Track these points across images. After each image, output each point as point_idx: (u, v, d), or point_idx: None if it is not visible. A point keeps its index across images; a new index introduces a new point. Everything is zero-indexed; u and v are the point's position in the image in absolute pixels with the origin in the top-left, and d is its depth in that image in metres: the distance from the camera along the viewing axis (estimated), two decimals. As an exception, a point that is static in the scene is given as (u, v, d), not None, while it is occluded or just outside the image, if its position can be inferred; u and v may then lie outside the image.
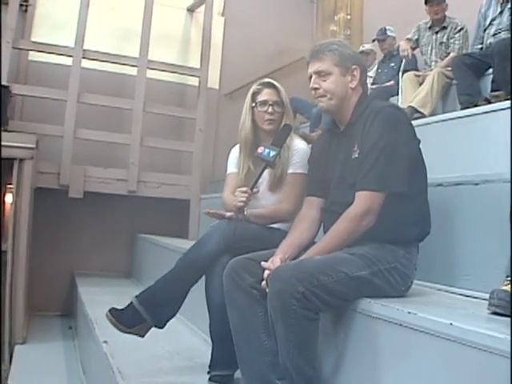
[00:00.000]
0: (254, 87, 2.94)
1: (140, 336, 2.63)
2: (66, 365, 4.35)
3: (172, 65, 6.27)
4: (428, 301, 2.11)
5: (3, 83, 5.23)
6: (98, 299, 4.53)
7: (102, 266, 6.00)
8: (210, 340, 2.72)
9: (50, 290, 5.75)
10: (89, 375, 3.94)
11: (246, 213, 2.64)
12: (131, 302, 2.60)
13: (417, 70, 5.32)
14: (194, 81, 6.37)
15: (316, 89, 2.28)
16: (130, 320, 2.56)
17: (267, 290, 2.02)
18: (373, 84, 5.83)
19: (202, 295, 2.65)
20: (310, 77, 2.31)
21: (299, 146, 2.84)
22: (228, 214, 2.70)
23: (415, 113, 4.61)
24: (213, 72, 6.54)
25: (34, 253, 5.16)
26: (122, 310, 2.60)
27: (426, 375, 1.64)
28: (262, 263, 2.18)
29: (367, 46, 6.19)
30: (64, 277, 5.92)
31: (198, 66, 6.29)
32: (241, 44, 7.03)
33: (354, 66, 2.28)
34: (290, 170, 2.80)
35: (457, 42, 5.02)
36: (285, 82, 4.71)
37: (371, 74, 6.03)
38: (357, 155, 2.19)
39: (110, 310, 2.60)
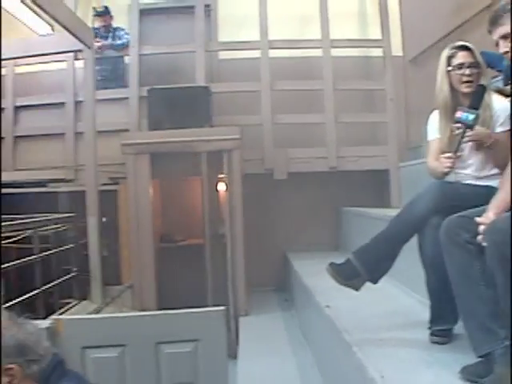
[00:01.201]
0: (447, 51, 2.93)
1: (355, 289, 2.82)
2: (286, 331, 4.80)
3: (354, 40, 6.41)
4: None
5: (202, 84, 5.76)
6: (312, 271, 4.85)
7: (310, 241, 6.29)
8: (424, 300, 2.85)
9: (264, 268, 6.18)
10: (309, 338, 4.32)
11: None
12: (348, 258, 2.80)
13: None
14: (376, 51, 6.41)
15: (507, 52, 2.29)
16: (347, 273, 2.77)
17: (483, 243, 2.10)
18: None
19: (413, 258, 2.78)
20: (497, 43, 2.32)
21: (502, 104, 2.83)
22: None
23: None
24: (394, 39, 6.52)
25: (248, 234, 5.57)
26: (341, 264, 2.81)
27: None
28: (477, 219, 2.24)
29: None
30: (276, 254, 6.36)
31: (378, 37, 6.33)
32: (418, 5, 6.90)
33: None
34: (500, 129, 2.80)
35: None
36: (468, 37, 4.62)
37: None
38: None
39: (330, 264, 2.82)
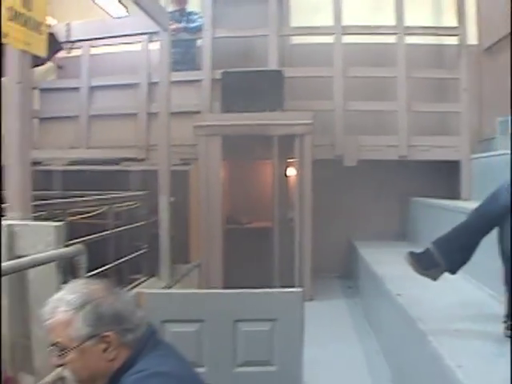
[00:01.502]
0: None
1: (433, 279, 2.82)
2: (351, 318, 4.87)
3: (429, 27, 6.29)
4: None
5: (276, 68, 5.78)
6: (380, 259, 4.86)
7: (377, 230, 6.26)
8: (494, 294, 2.83)
9: (328, 254, 6.19)
10: (376, 325, 4.37)
11: None
12: (428, 248, 2.79)
13: None
14: (450, 40, 6.28)
15: None
16: (426, 263, 2.77)
17: None
18: None
19: (485, 251, 2.75)
20: None
21: None
22: None
23: None
24: (469, 27, 6.37)
25: (315, 220, 5.58)
26: (420, 253, 2.81)
27: None
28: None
29: None
30: (340, 241, 6.38)
31: (453, 24, 6.20)
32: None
33: None
34: None
35: None
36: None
37: None
38: None
39: (409, 253, 2.83)
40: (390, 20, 6.14)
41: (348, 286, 5.89)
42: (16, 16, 2.92)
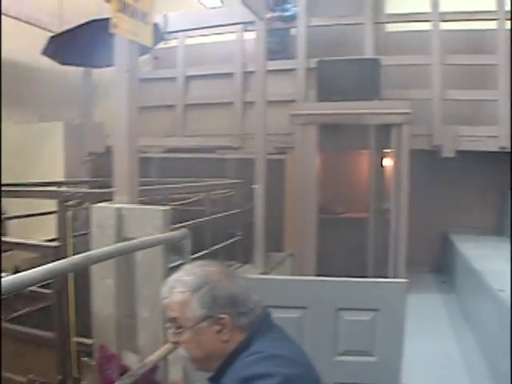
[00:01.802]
0: None
1: None
2: (447, 314, 4.76)
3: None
4: None
5: (372, 57, 5.69)
6: (479, 254, 4.73)
7: (472, 224, 6.07)
8: None
9: (422, 247, 6.03)
10: (473, 321, 4.25)
11: None
12: None
13: None
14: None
15: None
16: None
17: None
18: None
19: None
20: None
21: None
22: None
23: None
24: None
25: (410, 211, 5.46)
26: None
27: None
28: None
29: None
30: (434, 234, 6.21)
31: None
32: None
33: None
34: None
35: None
36: None
37: None
38: None
39: None
40: (490, 5, 5.88)
41: (443, 281, 5.75)
42: (125, 7, 3.03)
